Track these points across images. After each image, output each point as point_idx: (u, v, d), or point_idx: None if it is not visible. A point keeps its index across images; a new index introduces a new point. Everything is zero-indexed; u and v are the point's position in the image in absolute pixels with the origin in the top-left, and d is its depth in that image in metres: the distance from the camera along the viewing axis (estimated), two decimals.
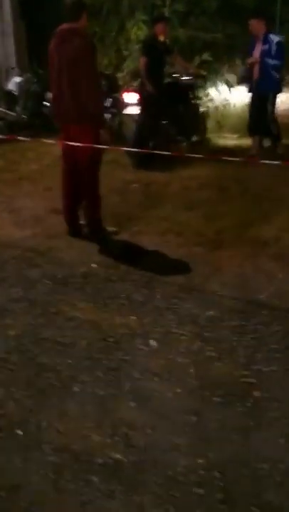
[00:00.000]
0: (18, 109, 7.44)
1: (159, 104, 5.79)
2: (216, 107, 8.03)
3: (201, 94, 8.08)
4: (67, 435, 2.04)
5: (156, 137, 5.75)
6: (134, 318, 2.90)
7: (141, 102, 5.89)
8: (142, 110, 5.86)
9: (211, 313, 2.97)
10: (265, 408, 2.20)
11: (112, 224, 4.17)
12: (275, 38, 5.76)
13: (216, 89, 8.28)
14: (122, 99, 6.40)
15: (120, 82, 7.72)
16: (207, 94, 8.12)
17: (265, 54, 5.71)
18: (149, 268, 3.52)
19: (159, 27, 5.91)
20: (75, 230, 4.07)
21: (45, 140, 4.75)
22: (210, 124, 7.56)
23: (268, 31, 5.82)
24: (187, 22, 8.66)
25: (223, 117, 7.92)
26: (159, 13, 8.07)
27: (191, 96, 6.61)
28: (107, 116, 7.06)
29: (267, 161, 4.10)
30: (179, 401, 2.25)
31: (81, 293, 3.18)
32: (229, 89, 8.34)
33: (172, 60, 6.40)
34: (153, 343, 2.66)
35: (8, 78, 8.15)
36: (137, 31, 8.26)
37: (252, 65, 5.86)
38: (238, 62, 8.25)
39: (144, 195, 5.00)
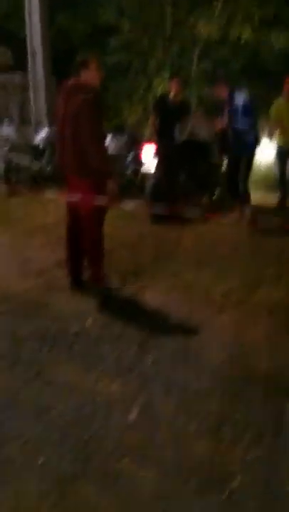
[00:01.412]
0: (43, 161, 7.63)
1: (171, 162, 5.78)
2: None
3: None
4: None
5: (170, 193, 5.70)
6: (118, 384, 2.71)
7: (156, 158, 5.92)
8: (157, 166, 5.87)
9: (204, 382, 2.75)
10: (240, 502, 1.94)
11: (116, 279, 4.06)
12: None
13: None
14: (142, 154, 6.47)
15: (146, 137, 7.84)
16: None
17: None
18: (145, 328, 3.35)
19: (172, 85, 6.00)
20: (77, 283, 3.97)
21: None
22: None
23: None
24: (213, 82, 8.82)
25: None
26: (174, 71, 8.27)
27: (210, 154, 6.59)
28: (128, 171, 7.20)
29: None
30: (148, 486, 2.02)
31: (69, 353, 3.03)
32: None
33: (193, 119, 6.45)
34: (132, 415, 2.45)
35: (38, 131, 8.44)
36: (164, 89, 8.45)
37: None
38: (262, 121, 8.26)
39: (156, 250, 4.90)
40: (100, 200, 3.66)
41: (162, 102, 6.15)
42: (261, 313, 3.52)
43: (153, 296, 3.86)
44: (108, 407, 2.49)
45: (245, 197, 5.80)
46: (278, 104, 6.72)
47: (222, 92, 5.66)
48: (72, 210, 3.85)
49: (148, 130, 6.60)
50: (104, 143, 3.75)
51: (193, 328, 3.37)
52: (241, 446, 2.23)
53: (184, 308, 3.67)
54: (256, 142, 5.87)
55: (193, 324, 3.43)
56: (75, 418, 2.41)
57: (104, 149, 3.72)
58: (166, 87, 7.08)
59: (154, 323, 3.45)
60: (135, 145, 7.20)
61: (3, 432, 2.30)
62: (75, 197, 3.70)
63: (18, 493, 1.95)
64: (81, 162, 3.56)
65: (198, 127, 6.70)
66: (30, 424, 2.35)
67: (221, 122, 5.68)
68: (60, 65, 7.84)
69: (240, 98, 5.59)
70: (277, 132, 6.95)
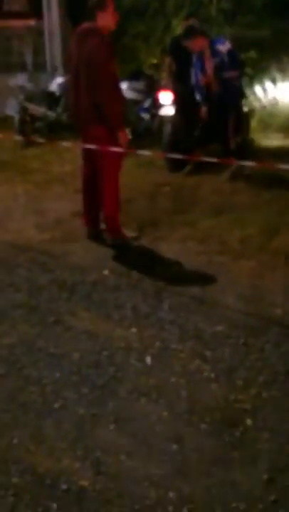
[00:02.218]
0: (59, 109, 7.48)
1: (189, 107, 5.57)
2: (263, 107, 7.69)
3: (247, 92, 7.78)
4: (36, 456, 1.95)
5: (188, 140, 5.54)
6: (135, 330, 2.76)
7: (174, 103, 5.72)
8: (175, 112, 5.69)
9: (219, 328, 2.78)
10: (254, 439, 2.00)
11: (133, 228, 4.06)
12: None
13: (262, 88, 7.93)
14: (159, 99, 6.27)
15: (163, 82, 7.57)
16: (253, 93, 7.79)
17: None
18: (162, 277, 3.37)
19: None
20: (93, 234, 3.99)
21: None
22: (255, 123, 7.25)
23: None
24: (234, 20, 8.36)
25: (269, 117, 7.57)
26: (191, 10, 7.83)
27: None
28: (146, 116, 7.01)
29: None
30: (162, 426, 2.09)
31: (86, 301, 3.09)
32: (275, 88, 7.97)
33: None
34: (148, 359, 2.51)
35: (52, 79, 8.23)
36: (181, 31, 8.07)
37: None
38: (287, 59, 7.87)
39: (173, 199, 4.84)
40: (115, 149, 3.61)
41: (177, 44, 5.87)
42: (279, 260, 3.49)
43: (170, 246, 3.85)
44: (125, 352, 2.56)
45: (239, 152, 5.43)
46: None
47: (202, 44, 5.15)
48: (88, 159, 3.81)
49: (164, 74, 6.33)
50: (118, 89, 3.64)
51: (209, 276, 3.38)
52: (254, 388, 2.28)
53: (201, 257, 3.66)
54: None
55: (210, 272, 3.43)
56: (93, 363, 2.49)
57: (118, 96, 3.62)
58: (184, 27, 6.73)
59: (171, 272, 3.47)
60: (153, 90, 6.97)
61: (22, 376, 2.40)
62: (91, 146, 3.65)
63: (37, 435, 2.05)
64: (96, 109, 3.49)
65: None
66: (49, 369, 2.44)
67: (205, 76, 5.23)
68: (76, 9, 7.54)
69: (223, 46, 5.19)
70: None
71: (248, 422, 2.09)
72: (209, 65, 5.15)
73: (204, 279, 3.36)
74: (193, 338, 2.69)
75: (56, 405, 2.21)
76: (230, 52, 5.17)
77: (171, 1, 8.39)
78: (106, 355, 2.54)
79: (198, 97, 5.39)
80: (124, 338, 2.69)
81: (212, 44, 5.17)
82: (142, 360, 2.51)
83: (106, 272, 3.45)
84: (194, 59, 5.32)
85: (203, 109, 5.37)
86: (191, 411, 2.16)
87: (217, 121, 5.40)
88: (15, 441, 2.01)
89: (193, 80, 5.42)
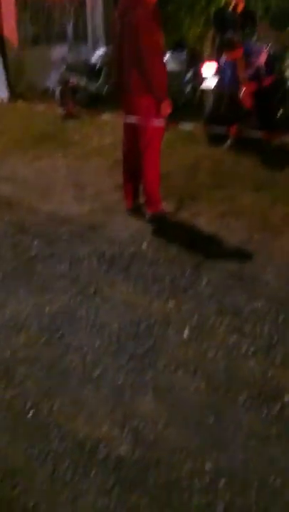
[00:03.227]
0: (100, 81, 7.43)
1: (231, 79, 5.42)
2: None
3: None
4: (76, 422, 2.00)
5: (230, 113, 5.40)
6: (173, 304, 2.77)
7: (217, 75, 5.58)
8: (217, 84, 5.55)
9: (257, 304, 2.76)
10: None
11: (172, 203, 4.04)
12: None
13: None
14: (202, 71, 6.13)
15: (206, 53, 7.38)
16: None
17: None
18: (200, 252, 3.35)
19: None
20: (133, 207, 3.99)
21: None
22: None
23: None
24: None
25: None
26: None
27: (277, 67, 6.13)
28: (187, 88, 6.88)
29: None
30: (199, 397, 2.11)
31: (125, 274, 3.11)
32: None
33: (258, 30, 5.97)
34: (186, 332, 2.52)
35: (95, 50, 8.15)
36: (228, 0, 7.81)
37: None
38: None
39: (213, 174, 4.77)
40: (158, 121, 3.56)
41: (222, 15, 5.70)
42: None
43: (209, 221, 3.82)
44: (163, 325, 2.58)
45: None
46: None
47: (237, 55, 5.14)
48: (129, 131, 3.79)
49: (208, 45, 6.17)
50: (162, 60, 3.58)
51: (249, 252, 3.34)
52: None
53: (241, 233, 3.62)
54: None
55: (250, 248, 3.39)
56: (132, 334, 2.52)
57: (163, 67, 3.55)
58: None
59: (210, 247, 3.44)
60: (195, 61, 6.82)
61: (63, 344, 2.46)
62: (132, 118, 3.62)
63: (77, 401, 2.11)
64: (139, 80, 3.45)
65: (265, 38, 6.19)
66: (88, 338, 2.49)
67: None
68: None
69: (259, 58, 5.20)
70: None
71: (287, 398, 2.08)
72: (242, 75, 5.14)
73: (243, 255, 3.32)
74: (232, 313, 2.68)
75: (96, 373, 2.25)
76: (267, 63, 5.20)
77: None
78: (144, 327, 2.57)
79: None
80: (162, 311, 2.71)
81: (248, 54, 5.11)
82: (180, 333, 2.52)
83: (144, 246, 3.45)
84: (224, 65, 5.32)
85: (245, 98, 5.25)
86: (229, 385, 2.17)
87: (259, 93, 5.27)
88: (55, 407, 2.07)
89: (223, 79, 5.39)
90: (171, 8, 8.67)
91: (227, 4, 5.77)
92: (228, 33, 5.47)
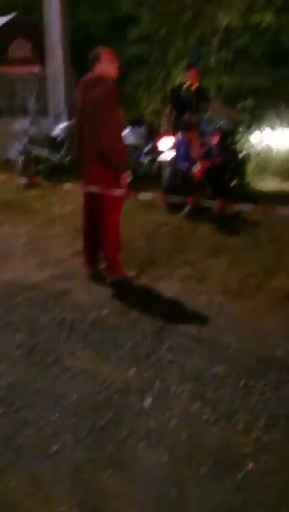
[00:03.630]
0: (62, 153, 7.67)
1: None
2: (260, 152, 7.88)
3: (244, 138, 8.00)
4: (33, 501, 1.88)
5: (187, 183, 5.65)
6: (134, 371, 2.73)
7: (173, 150, 5.88)
8: (174, 156, 5.84)
9: (219, 369, 2.75)
10: (255, 483, 1.94)
11: (133, 268, 4.09)
12: None
13: (259, 134, 8.16)
14: (159, 145, 6.45)
15: (163, 128, 7.80)
16: (250, 139, 8.00)
17: None
18: (162, 316, 3.36)
19: (188, 73, 5.97)
20: (93, 273, 4.01)
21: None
22: (252, 168, 7.42)
23: None
24: (233, 69, 8.71)
25: (266, 161, 7.75)
26: (191, 61, 8.17)
27: (230, 141, 6.53)
28: (146, 160, 7.18)
29: None
30: (162, 470, 2.04)
31: (85, 341, 3.06)
32: (272, 134, 8.20)
33: (211, 106, 6.40)
34: (148, 401, 2.47)
35: (57, 123, 8.46)
36: (183, 79, 8.39)
37: None
38: (284, 106, 8.14)
39: (172, 239, 4.90)
40: (117, 191, 3.68)
41: (177, 92, 6.12)
42: (278, 300, 3.49)
43: (169, 285, 3.87)
44: (124, 394, 2.52)
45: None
46: None
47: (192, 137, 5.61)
48: (90, 200, 3.88)
49: (165, 121, 6.54)
50: (120, 135, 3.77)
51: (209, 316, 3.37)
52: (255, 432, 2.23)
53: (201, 297, 3.67)
54: None
55: (210, 312, 3.43)
56: (91, 405, 2.44)
57: (121, 141, 3.73)
58: (185, 77, 6.99)
59: (170, 312, 3.46)
60: (153, 136, 7.18)
61: (20, 418, 2.35)
62: (93, 187, 3.73)
63: (34, 479, 1.99)
64: (99, 153, 3.59)
65: (218, 114, 6.62)
66: (46, 411, 2.40)
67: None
68: (80, 56, 7.85)
69: (212, 138, 5.68)
70: None
71: (250, 466, 2.04)
72: (196, 153, 5.52)
73: (204, 318, 3.35)
74: (193, 378, 2.66)
75: (53, 448, 2.15)
76: (217, 145, 5.62)
77: (172, 51, 8.76)
78: (104, 397, 2.50)
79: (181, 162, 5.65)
80: (123, 379, 2.65)
81: (201, 135, 5.54)
82: (142, 402, 2.46)
83: (105, 311, 3.44)
84: (178, 141, 5.66)
85: (196, 172, 5.57)
86: (192, 455, 2.11)
87: (212, 167, 5.62)
88: (11, 485, 1.95)
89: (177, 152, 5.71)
90: (130, 87, 9.24)
91: (182, 83, 6.18)
92: (185, 115, 5.83)
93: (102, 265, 4.00)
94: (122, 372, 2.71)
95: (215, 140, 5.64)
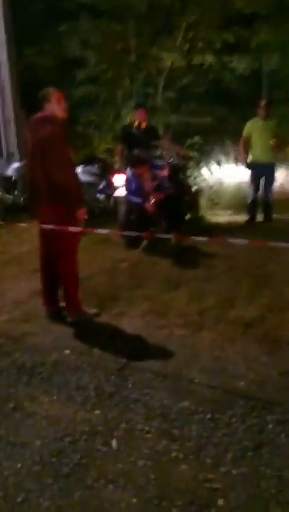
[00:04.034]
0: (16, 193, 7.64)
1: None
2: (210, 186, 8.14)
3: (195, 173, 8.27)
4: None
5: (142, 218, 5.74)
6: (99, 412, 2.68)
7: (126, 183, 5.99)
8: (127, 194, 5.95)
9: (185, 404, 2.74)
10: None
11: (93, 305, 4.06)
12: None
13: (208, 169, 8.46)
14: (113, 181, 6.55)
15: (116, 166, 7.94)
16: (201, 174, 8.28)
17: None
18: (124, 353, 3.33)
19: (137, 113, 6.16)
20: (53, 313, 3.95)
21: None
22: (204, 202, 7.64)
23: None
24: (179, 108, 9.05)
25: (217, 195, 8.01)
26: (139, 101, 8.46)
27: (182, 176, 6.72)
28: (101, 197, 7.26)
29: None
30: None
31: (47, 384, 2.99)
32: (220, 169, 8.52)
33: (161, 143, 6.59)
34: (114, 443, 2.42)
35: (9, 164, 8.46)
36: (132, 118, 8.63)
37: None
38: (228, 143, 8.50)
39: (131, 275, 4.91)
40: (73, 228, 3.68)
41: (127, 131, 6.28)
42: (237, 331, 3.55)
43: (130, 321, 3.85)
44: (89, 437, 2.46)
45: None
46: (254, 122, 6.84)
47: (144, 170, 5.71)
48: (46, 239, 3.86)
49: (117, 158, 6.69)
50: (73, 171, 3.79)
51: (171, 350, 3.37)
52: (224, 466, 2.22)
53: (162, 331, 3.67)
54: None
55: (172, 346, 3.43)
56: (56, 450, 2.37)
57: (75, 177, 3.75)
58: (135, 116, 7.21)
59: (133, 348, 3.44)
60: (107, 173, 7.29)
61: None
62: (48, 225, 3.71)
63: None
64: (52, 190, 3.60)
65: (167, 151, 6.82)
66: (9, 460, 2.30)
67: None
68: (29, 98, 7.94)
69: (163, 171, 5.80)
70: (247, 150, 6.99)
71: (220, 502, 2.02)
72: (148, 187, 5.59)
73: (166, 353, 3.34)
74: (159, 416, 2.63)
75: (19, 499, 2.06)
76: (169, 177, 5.76)
77: (120, 92, 9.02)
78: (69, 441, 2.43)
79: (133, 198, 5.76)
80: (88, 422, 2.60)
81: (152, 168, 5.63)
82: (108, 444, 2.41)
83: (67, 352, 3.38)
84: (130, 177, 5.76)
85: (148, 205, 5.65)
86: (161, 495, 2.07)
87: (165, 200, 5.71)
88: None
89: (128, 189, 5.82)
90: (81, 127, 9.40)
91: (131, 122, 6.35)
92: (135, 151, 5.97)
93: (62, 304, 3.95)
94: (86, 414, 2.66)
95: (165, 172, 5.77)
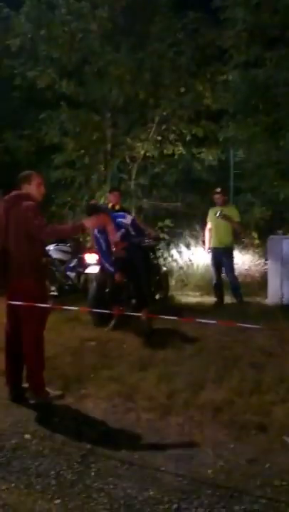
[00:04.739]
0: None
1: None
2: (180, 267, 8.32)
3: (165, 255, 8.48)
4: None
5: (113, 296, 5.77)
6: (59, 501, 2.52)
7: (98, 263, 6.07)
8: (99, 270, 6.01)
9: (150, 493, 2.61)
10: None
11: (58, 386, 3.95)
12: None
13: (178, 251, 8.70)
14: (85, 259, 6.64)
15: (88, 245, 8.09)
16: (171, 256, 8.48)
17: None
18: (88, 439, 3.20)
19: (111, 196, 6.41)
20: (16, 394, 3.81)
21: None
22: (174, 282, 7.77)
23: None
24: (150, 193, 9.46)
25: (186, 276, 8.16)
26: (113, 185, 8.81)
27: (152, 256, 6.87)
28: (72, 274, 7.31)
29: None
30: None
31: (5, 470, 2.81)
32: (190, 251, 8.78)
33: None
34: None
35: None
36: (105, 201, 8.93)
37: None
38: (198, 227, 8.85)
39: (99, 354, 4.84)
40: (41, 304, 3.67)
41: (96, 208, 6.44)
42: (206, 415, 3.47)
43: (96, 404, 3.74)
44: None
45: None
46: (213, 210, 7.24)
47: (104, 220, 5.34)
48: (12, 316, 3.81)
49: (89, 237, 6.83)
50: (43, 247, 3.88)
51: (138, 435, 3.26)
52: None
53: (129, 415, 3.57)
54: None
55: (138, 431, 3.33)
56: None
57: (43, 252, 3.84)
58: (108, 199, 7.49)
59: (97, 433, 3.31)
60: (78, 251, 7.40)
61: None
62: (16, 301, 3.69)
63: None
64: (24, 267, 3.64)
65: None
66: None
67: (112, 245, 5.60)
68: (4, 178, 8.19)
69: (126, 220, 5.64)
70: (209, 236, 7.35)
71: None
72: (113, 236, 5.47)
73: (132, 438, 3.23)
74: (124, 506, 2.50)
75: None
76: (133, 223, 5.65)
77: (95, 176, 9.39)
78: None
79: (106, 265, 5.70)
80: None
81: (114, 218, 5.53)
82: None
83: (27, 436, 3.23)
84: (96, 233, 5.65)
85: (117, 275, 5.63)
86: None
87: (130, 278, 5.72)
88: None
89: (100, 253, 5.74)
90: (56, 207, 9.63)
91: (105, 204, 6.55)
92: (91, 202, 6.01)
93: (25, 385, 3.82)
94: (46, 504, 2.49)
95: (128, 220, 5.60)
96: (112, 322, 5.64)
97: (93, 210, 5.64)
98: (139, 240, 5.77)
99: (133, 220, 5.73)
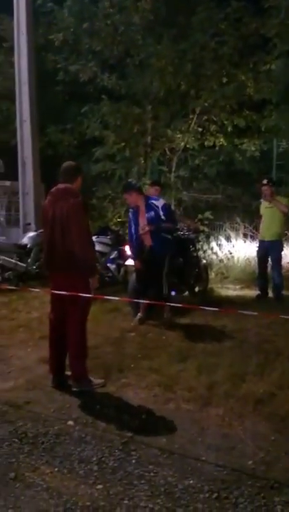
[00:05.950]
0: (29, 260, 7.81)
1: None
2: (220, 260, 8.26)
3: (204, 247, 8.44)
4: None
5: (153, 288, 5.79)
6: (101, 487, 2.58)
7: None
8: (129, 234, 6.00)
9: (190, 482, 2.64)
10: None
11: (100, 375, 4.02)
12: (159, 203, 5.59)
13: (218, 244, 8.64)
14: (125, 251, 6.70)
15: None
16: (210, 248, 8.43)
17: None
18: (129, 427, 3.25)
19: (152, 190, 6.41)
20: (59, 381, 3.91)
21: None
22: (213, 275, 7.72)
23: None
24: (190, 185, 9.41)
25: (226, 269, 8.09)
26: (153, 177, 8.80)
27: (192, 249, 6.86)
28: (112, 266, 7.39)
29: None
30: None
31: (49, 455, 2.90)
32: (230, 244, 8.69)
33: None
34: None
35: (24, 233, 8.71)
36: (146, 193, 8.96)
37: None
38: (238, 220, 8.74)
39: (139, 345, 4.89)
40: (86, 296, 3.74)
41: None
42: (247, 407, 3.46)
43: (136, 393, 3.79)
44: None
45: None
46: (262, 203, 7.14)
47: (136, 199, 5.53)
48: (57, 306, 3.90)
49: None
50: (91, 241, 3.92)
51: (178, 425, 3.28)
52: None
53: (169, 405, 3.60)
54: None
55: (178, 421, 3.35)
56: None
57: (91, 248, 3.90)
58: (147, 192, 7.52)
59: (138, 421, 3.36)
60: (119, 243, 7.47)
61: None
62: (62, 292, 3.77)
63: None
64: (70, 259, 3.71)
65: (180, 225, 7.01)
66: None
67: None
68: (49, 171, 8.35)
69: (158, 202, 5.56)
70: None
71: None
72: (142, 219, 5.46)
73: (172, 428, 3.26)
74: (164, 493, 2.53)
75: None
76: (164, 207, 5.57)
77: (135, 169, 9.44)
78: None
79: (130, 251, 5.66)
80: (90, 496, 2.50)
81: (147, 200, 5.53)
82: None
83: (70, 423, 3.31)
84: (130, 214, 5.66)
85: (136, 263, 5.61)
86: None
87: (152, 270, 5.58)
88: None
89: (129, 235, 5.72)
90: (96, 200, 9.75)
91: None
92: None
93: (68, 373, 3.92)
94: (88, 489, 2.56)
95: (161, 203, 5.55)
96: (138, 316, 5.63)
97: (127, 188, 5.69)
98: (168, 227, 5.62)
99: (165, 204, 5.67)
